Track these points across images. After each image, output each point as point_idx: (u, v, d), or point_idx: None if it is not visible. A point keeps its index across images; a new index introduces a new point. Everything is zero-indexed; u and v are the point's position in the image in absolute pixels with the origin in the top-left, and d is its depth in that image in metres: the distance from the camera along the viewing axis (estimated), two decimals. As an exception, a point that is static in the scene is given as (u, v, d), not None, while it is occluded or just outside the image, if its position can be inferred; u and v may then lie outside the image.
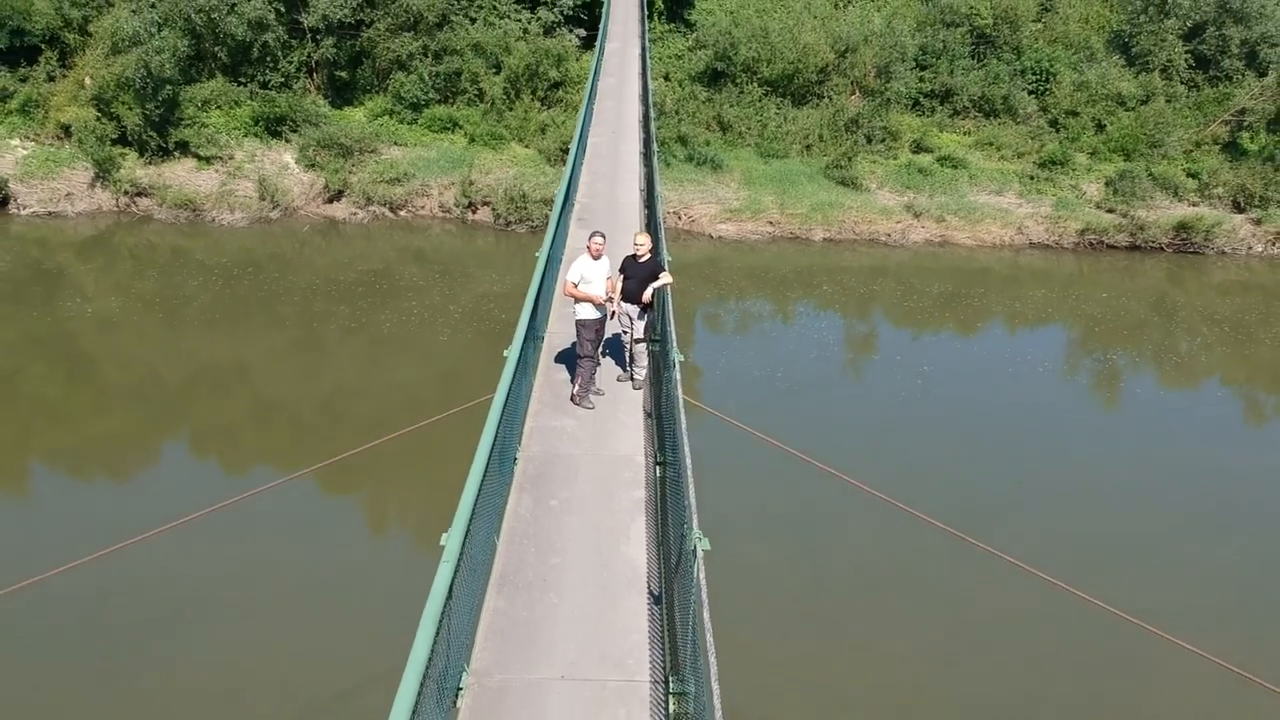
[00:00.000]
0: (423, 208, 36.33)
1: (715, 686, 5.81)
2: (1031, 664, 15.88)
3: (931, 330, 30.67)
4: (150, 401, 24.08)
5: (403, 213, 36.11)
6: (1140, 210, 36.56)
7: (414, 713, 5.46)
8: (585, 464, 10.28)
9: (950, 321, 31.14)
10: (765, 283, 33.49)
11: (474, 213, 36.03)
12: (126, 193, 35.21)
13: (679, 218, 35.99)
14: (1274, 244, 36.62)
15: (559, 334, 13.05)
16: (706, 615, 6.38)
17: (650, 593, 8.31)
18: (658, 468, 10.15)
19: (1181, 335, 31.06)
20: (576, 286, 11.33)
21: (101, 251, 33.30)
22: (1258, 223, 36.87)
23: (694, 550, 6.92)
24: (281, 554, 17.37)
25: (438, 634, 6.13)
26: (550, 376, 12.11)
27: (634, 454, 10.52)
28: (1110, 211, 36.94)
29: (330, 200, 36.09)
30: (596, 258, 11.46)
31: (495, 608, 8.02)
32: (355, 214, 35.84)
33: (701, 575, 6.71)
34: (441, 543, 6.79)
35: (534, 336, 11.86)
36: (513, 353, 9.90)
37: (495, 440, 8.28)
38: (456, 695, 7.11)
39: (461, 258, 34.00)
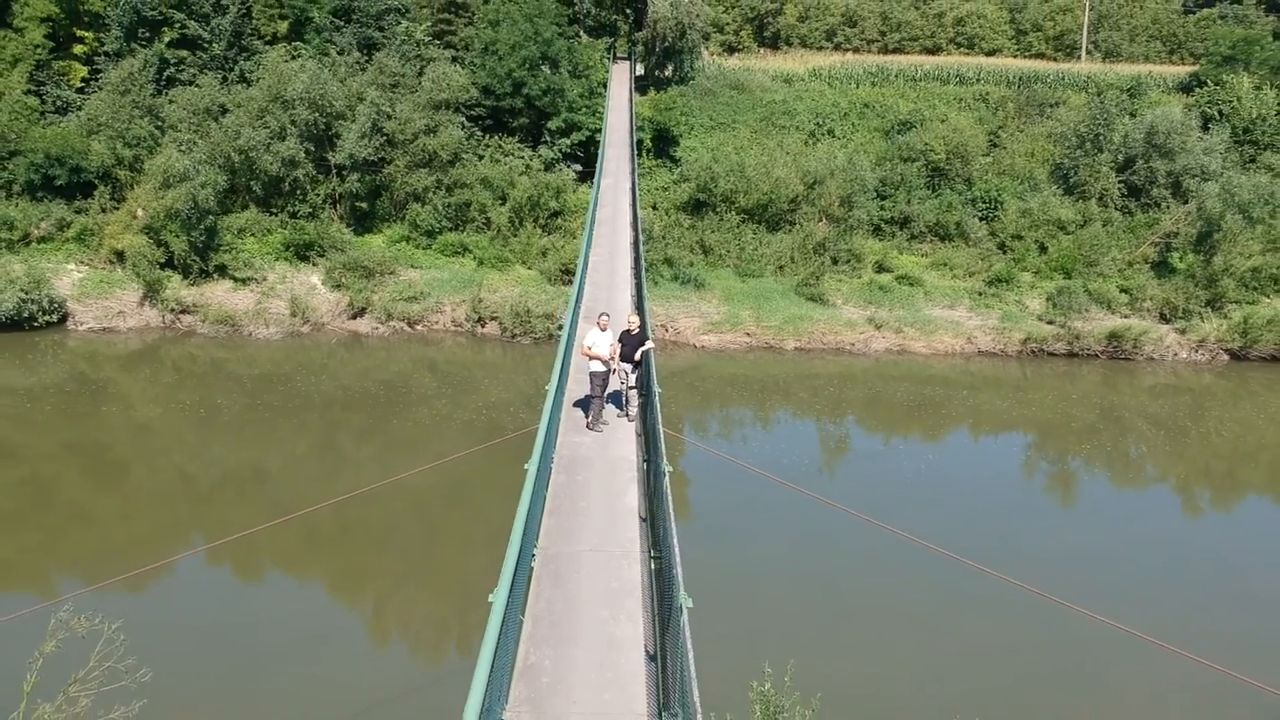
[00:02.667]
0: (437, 323, 43.30)
1: (676, 548, 11.96)
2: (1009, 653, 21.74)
3: (902, 434, 36.92)
4: (175, 507, 28.00)
5: (419, 327, 43.05)
6: (1077, 321, 43.69)
7: (518, 563, 11.53)
8: (598, 461, 16.74)
9: (919, 426, 37.41)
10: (751, 389, 39.93)
11: (483, 327, 42.99)
12: (172, 310, 42.17)
13: (666, 330, 42.97)
14: (1196, 351, 43.73)
15: (574, 391, 19.60)
16: (671, 514, 12.63)
17: (640, 518, 14.65)
18: (645, 464, 16.56)
19: (1130, 439, 37.09)
20: (590, 348, 17.96)
21: (147, 363, 39.72)
22: (1182, 332, 44.07)
23: (663, 472, 13.32)
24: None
25: (529, 518, 12.37)
26: (570, 414, 18.68)
27: (629, 455, 17.02)
28: (1050, 323, 44.11)
29: (354, 316, 43.09)
30: (603, 330, 18.16)
31: (548, 525, 14.34)
32: (377, 328, 42.74)
33: (668, 487, 13.07)
34: (526, 466, 13.16)
35: (561, 386, 18.39)
36: (551, 387, 16.48)
37: (550, 427, 14.74)
38: (532, 558, 13.35)
39: (470, 368, 40.42)
